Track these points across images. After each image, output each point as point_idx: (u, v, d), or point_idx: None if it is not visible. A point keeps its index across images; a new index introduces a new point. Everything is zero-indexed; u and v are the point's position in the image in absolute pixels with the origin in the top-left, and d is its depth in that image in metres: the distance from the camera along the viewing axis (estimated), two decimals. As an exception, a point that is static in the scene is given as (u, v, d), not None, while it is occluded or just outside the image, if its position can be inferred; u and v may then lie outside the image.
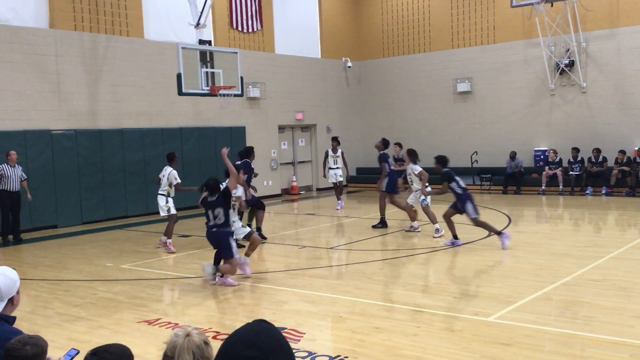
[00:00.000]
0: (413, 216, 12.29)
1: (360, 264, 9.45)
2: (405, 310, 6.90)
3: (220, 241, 8.35)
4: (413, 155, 12.10)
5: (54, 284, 8.89)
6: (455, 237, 10.84)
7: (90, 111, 15.54)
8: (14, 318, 3.40)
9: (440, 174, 11.01)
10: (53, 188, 14.51)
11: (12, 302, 3.29)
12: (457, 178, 10.91)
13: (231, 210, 8.55)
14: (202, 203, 8.49)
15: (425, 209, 11.99)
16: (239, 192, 9.47)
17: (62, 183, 14.64)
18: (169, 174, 11.32)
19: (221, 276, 8.34)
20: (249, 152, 11.90)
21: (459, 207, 10.80)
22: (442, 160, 11.17)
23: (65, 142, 14.78)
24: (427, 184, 11.93)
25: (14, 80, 14.07)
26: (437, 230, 11.67)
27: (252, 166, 11.72)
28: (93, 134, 15.34)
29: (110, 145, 15.60)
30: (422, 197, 11.92)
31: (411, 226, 12.34)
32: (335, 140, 16.77)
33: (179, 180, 11.35)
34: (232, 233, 8.45)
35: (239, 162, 11.42)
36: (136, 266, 9.96)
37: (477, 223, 10.65)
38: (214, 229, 8.33)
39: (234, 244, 8.37)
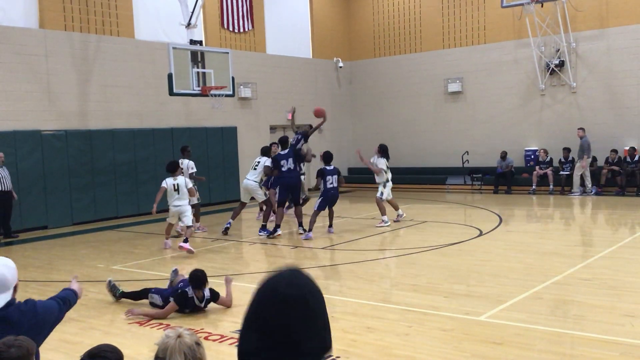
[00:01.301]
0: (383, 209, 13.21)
1: (351, 264, 9.46)
2: (396, 310, 6.91)
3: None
4: (382, 150, 13.39)
5: (44, 285, 8.84)
6: (310, 230, 11.94)
7: (81, 111, 15.47)
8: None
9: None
10: (43, 189, 14.43)
11: (15, 289, 3.52)
12: (328, 177, 12.21)
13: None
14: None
15: (378, 201, 13.14)
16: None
17: (52, 184, 14.57)
18: (187, 164, 12.78)
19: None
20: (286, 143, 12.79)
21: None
22: (325, 157, 12.53)
23: (55, 143, 14.70)
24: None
25: (4, 81, 13.98)
26: (383, 221, 12.94)
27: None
28: (83, 135, 15.27)
29: (101, 145, 15.54)
30: (379, 190, 13.21)
31: (382, 221, 13.10)
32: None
33: (195, 170, 12.96)
34: None
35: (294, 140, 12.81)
36: (127, 267, 9.93)
37: (313, 215, 12.07)
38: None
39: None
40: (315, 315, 1.83)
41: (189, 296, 6.94)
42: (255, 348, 1.77)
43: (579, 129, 17.62)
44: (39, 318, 3.53)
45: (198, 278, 6.97)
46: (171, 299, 6.97)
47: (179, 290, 7.00)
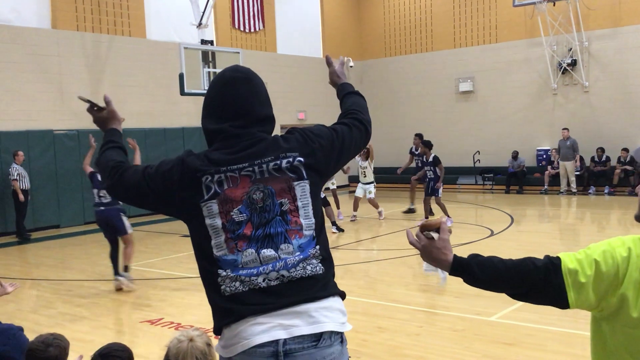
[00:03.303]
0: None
1: (362, 264, 9.46)
2: (407, 310, 6.90)
3: (112, 218, 8.31)
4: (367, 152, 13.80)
5: (57, 284, 8.90)
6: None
7: (93, 111, 15.54)
8: None
9: (433, 158, 13.05)
10: (55, 188, 14.53)
11: None
12: None
13: None
14: (90, 179, 8.76)
15: (371, 200, 13.91)
16: None
17: (64, 183, 14.66)
18: None
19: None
20: None
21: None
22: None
23: (67, 142, 14.79)
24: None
25: (17, 81, 14.09)
26: (380, 213, 14.01)
27: None
28: (95, 134, 15.32)
29: (113, 145, 15.58)
30: (370, 191, 13.86)
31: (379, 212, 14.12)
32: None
33: None
34: (121, 209, 8.40)
35: None
36: (138, 266, 9.97)
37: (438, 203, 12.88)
38: (101, 208, 8.36)
39: (125, 219, 8.40)
40: (259, 91, 2.33)
41: None
42: (217, 122, 2.24)
43: (563, 129, 17.64)
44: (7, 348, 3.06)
45: None
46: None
47: None
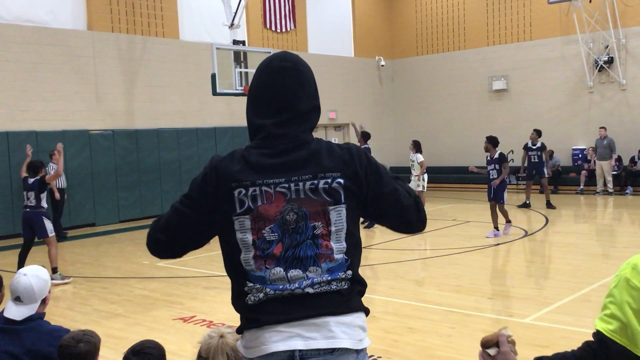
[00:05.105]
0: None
1: (393, 264, 9.41)
2: (439, 311, 6.84)
3: (34, 220, 8.85)
4: (417, 146, 13.84)
5: (92, 281, 9.06)
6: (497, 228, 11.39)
7: (127, 111, 15.78)
8: (44, 314, 3.32)
9: (499, 156, 11.71)
10: (91, 187, 14.78)
11: (44, 302, 3.24)
12: None
13: (43, 195, 9.00)
14: (23, 182, 9.24)
15: (421, 195, 13.43)
16: None
17: (99, 182, 14.90)
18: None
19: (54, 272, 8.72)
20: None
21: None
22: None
23: (102, 142, 15.03)
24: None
25: (53, 81, 14.37)
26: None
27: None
28: (130, 134, 15.57)
29: (147, 144, 15.82)
30: (420, 184, 13.66)
31: None
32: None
33: None
34: (45, 213, 8.98)
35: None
36: (172, 264, 10.08)
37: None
38: (27, 209, 8.94)
39: (47, 223, 8.93)
40: (307, 82, 2.23)
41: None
42: (261, 115, 2.19)
43: (600, 128, 17.24)
44: (50, 351, 3.04)
45: (34, 168, 8.86)
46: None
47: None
